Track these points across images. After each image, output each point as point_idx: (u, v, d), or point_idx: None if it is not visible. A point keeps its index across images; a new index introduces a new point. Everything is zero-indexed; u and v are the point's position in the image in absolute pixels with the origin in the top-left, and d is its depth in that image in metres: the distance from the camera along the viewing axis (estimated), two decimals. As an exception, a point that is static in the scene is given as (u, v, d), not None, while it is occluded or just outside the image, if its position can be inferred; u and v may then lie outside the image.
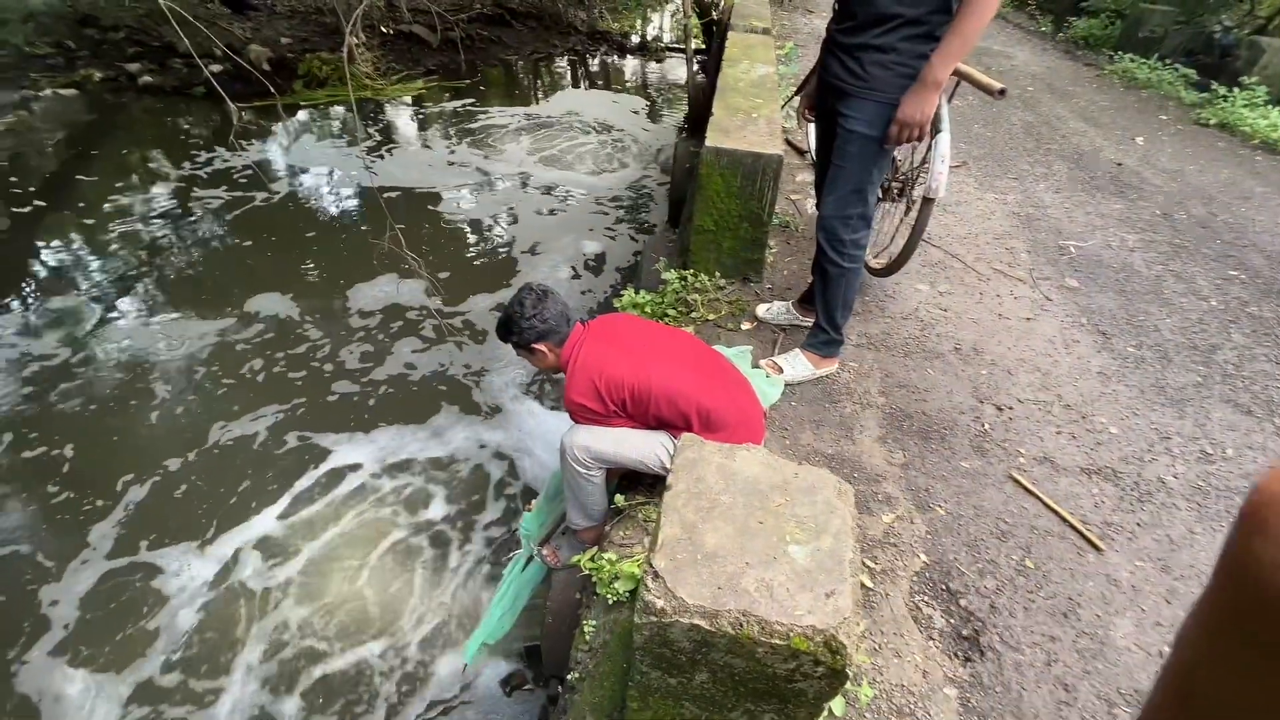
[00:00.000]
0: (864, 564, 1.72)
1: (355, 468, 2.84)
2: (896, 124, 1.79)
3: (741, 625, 0.93)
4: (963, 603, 1.65)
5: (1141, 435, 2.24)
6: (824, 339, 2.25)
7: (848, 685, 1.39)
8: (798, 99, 2.74)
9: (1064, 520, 1.89)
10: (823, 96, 2.01)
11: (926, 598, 1.66)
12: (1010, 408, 2.30)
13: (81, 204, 4.66)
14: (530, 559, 2.20)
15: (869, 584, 1.67)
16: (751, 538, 1.03)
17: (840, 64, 1.87)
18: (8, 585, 2.32)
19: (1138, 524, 1.91)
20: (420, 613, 2.35)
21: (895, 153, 2.66)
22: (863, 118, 1.85)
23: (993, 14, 1.65)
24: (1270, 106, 5.54)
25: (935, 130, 2.26)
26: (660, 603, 0.95)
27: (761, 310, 2.60)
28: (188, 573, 2.39)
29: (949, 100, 2.29)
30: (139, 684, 2.09)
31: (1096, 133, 5.14)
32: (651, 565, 0.99)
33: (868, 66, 1.79)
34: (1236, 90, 5.72)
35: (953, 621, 1.61)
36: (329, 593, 2.38)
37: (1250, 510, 0.29)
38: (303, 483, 2.75)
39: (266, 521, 2.59)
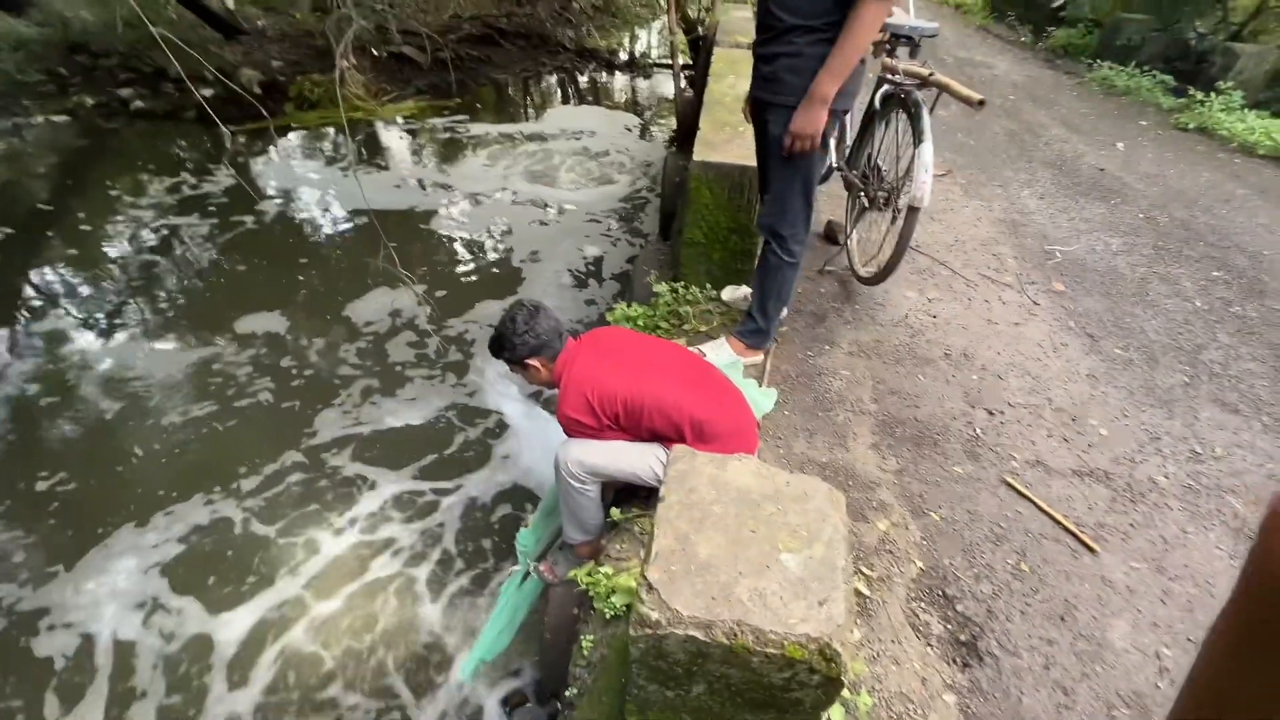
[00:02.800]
0: (860, 571, 1.72)
1: (346, 484, 2.82)
2: (789, 136, 1.93)
3: (736, 635, 0.93)
4: (960, 608, 1.66)
5: (1132, 436, 2.26)
6: (752, 328, 2.34)
7: (846, 694, 1.39)
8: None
9: (1058, 523, 1.90)
10: (754, 107, 2.13)
11: (924, 604, 1.67)
12: (1001, 412, 2.32)
13: (74, 229, 4.66)
14: (527, 575, 2.19)
15: (866, 591, 1.67)
16: (744, 547, 1.03)
17: (760, 75, 2.01)
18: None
19: (1131, 525, 1.92)
20: (416, 631, 2.33)
21: (881, 163, 2.72)
22: (782, 121, 1.96)
23: (869, 39, 1.79)
24: (1247, 110, 5.66)
25: (918, 140, 2.30)
26: (655, 615, 0.95)
27: (726, 293, 2.69)
28: (171, 582, 2.37)
29: (930, 112, 2.34)
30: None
31: (1078, 139, 5.22)
32: (646, 577, 0.99)
33: (781, 73, 1.92)
34: (1213, 95, 5.83)
35: (950, 627, 1.61)
36: (323, 613, 2.35)
37: (1274, 516, 0.29)
38: (294, 500, 2.74)
39: (258, 539, 2.57)
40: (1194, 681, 0.34)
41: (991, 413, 2.31)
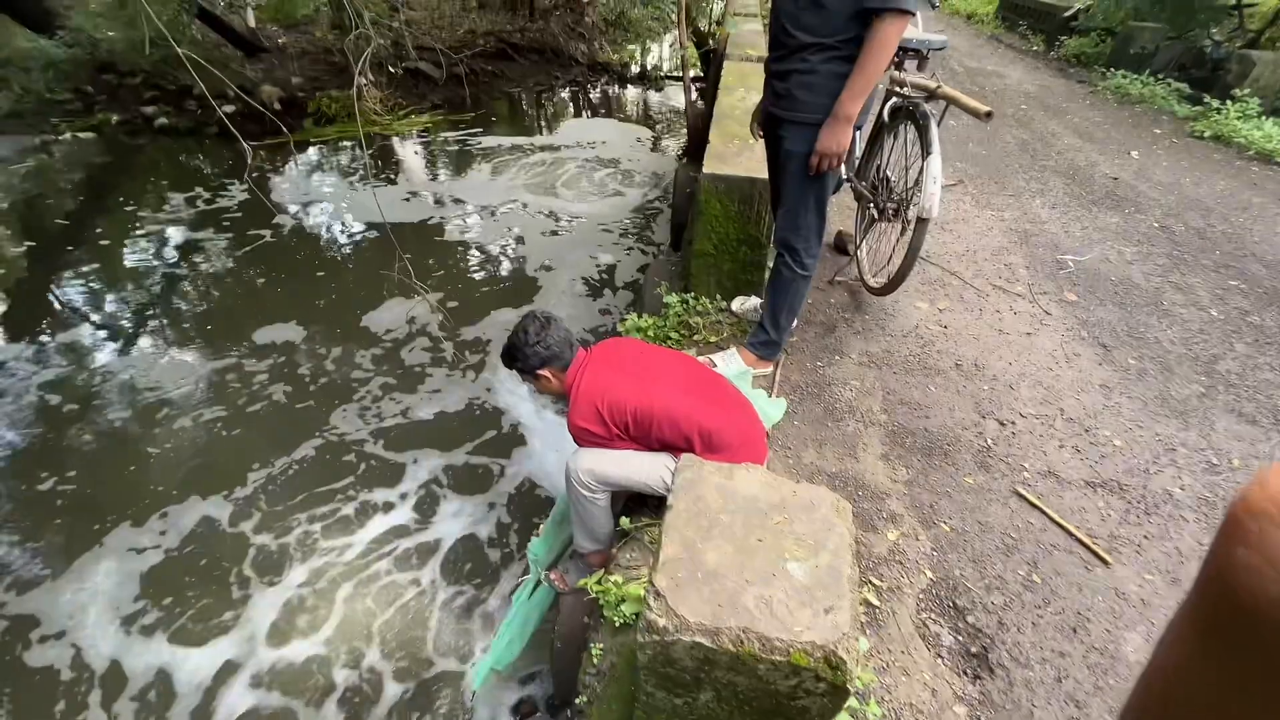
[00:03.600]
0: (870, 582, 1.72)
1: (361, 493, 2.86)
2: (816, 154, 1.94)
3: (742, 642, 0.95)
4: (970, 619, 1.65)
5: (1146, 447, 2.24)
6: (763, 339, 2.36)
7: (855, 704, 1.40)
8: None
9: (1070, 534, 1.89)
10: (767, 123, 2.16)
11: (934, 615, 1.66)
12: (1013, 422, 2.31)
13: (98, 243, 4.80)
14: (538, 584, 2.20)
15: (875, 602, 1.67)
16: (751, 555, 1.05)
17: (773, 91, 2.03)
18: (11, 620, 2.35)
19: (1145, 537, 1.90)
20: (428, 640, 2.35)
21: (890, 174, 2.74)
22: (795, 137, 1.99)
23: (889, 55, 1.79)
24: (1264, 118, 5.60)
25: (926, 152, 2.32)
26: (662, 621, 0.97)
27: (736, 304, 2.72)
28: (182, 592, 2.41)
29: (938, 124, 2.35)
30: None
31: (1091, 148, 5.20)
32: (653, 584, 1.01)
33: (794, 90, 1.94)
34: (1229, 103, 5.79)
35: (961, 638, 1.61)
36: (335, 621, 2.38)
37: (1233, 519, 0.29)
38: (306, 508, 2.78)
39: (269, 547, 2.61)
40: (1147, 678, 0.35)
41: (1003, 423, 2.30)
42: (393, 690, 2.20)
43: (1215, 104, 5.86)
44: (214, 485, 2.85)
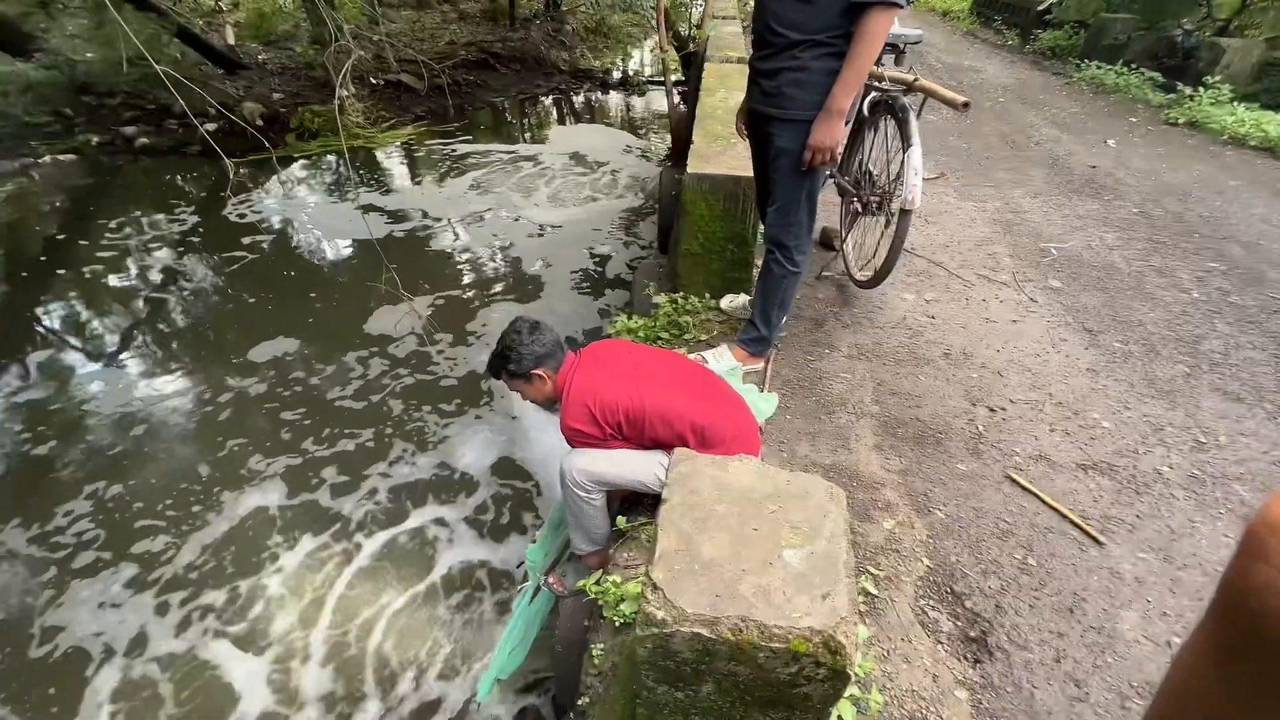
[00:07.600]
0: (868, 571, 1.73)
1: (357, 506, 2.84)
2: (809, 149, 1.95)
3: (741, 631, 0.95)
4: (968, 604, 1.66)
5: (1134, 428, 2.26)
6: (754, 335, 2.39)
7: (858, 692, 1.40)
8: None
9: (1064, 516, 1.90)
10: (753, 122, 2.17)
11: (932, 601, 1.67)
12: (1003, 409, 2.33)
13: (81, 265, 4.75)
14: (538, 590, 2.20)
15: (874, 590, 1.67)
16: (747, 545, 1.05)
17: (762, 90, 2.04)
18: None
19: (1137, 516, 1.92)
20: (430, 652, 2.33)
21: (872, 168, 2.76)
22: (788, 135, 2.00)
23: (879, 47, 1.81)
24: (1236, 103, 5.71)
25: (906, 145, 2.34)
26: (661, 613, 0.97)
27: (725, 302, 2.74)
28: (192, 615, 2.39)
29: (917, 116, 2.38)
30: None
31: (1069, 138, 5.27)
32: (650, 577, 1.01)
33: (785, 88, 1.95)
34: (1202, 90, 5.89)
35: (959, 624, 1.62)
36: (335, 636, 2.36)
37: (1252, 536, 0.28)
38: (304, 522, 2.76)
39: (270, 563, 2.59)
40: (1165, 694, 0.34)
41: (993, 410, 2.32)
42: (395, 707, 2.18)
43: (1188, 91, 5.97)
44: (205, 497, 2.83)
